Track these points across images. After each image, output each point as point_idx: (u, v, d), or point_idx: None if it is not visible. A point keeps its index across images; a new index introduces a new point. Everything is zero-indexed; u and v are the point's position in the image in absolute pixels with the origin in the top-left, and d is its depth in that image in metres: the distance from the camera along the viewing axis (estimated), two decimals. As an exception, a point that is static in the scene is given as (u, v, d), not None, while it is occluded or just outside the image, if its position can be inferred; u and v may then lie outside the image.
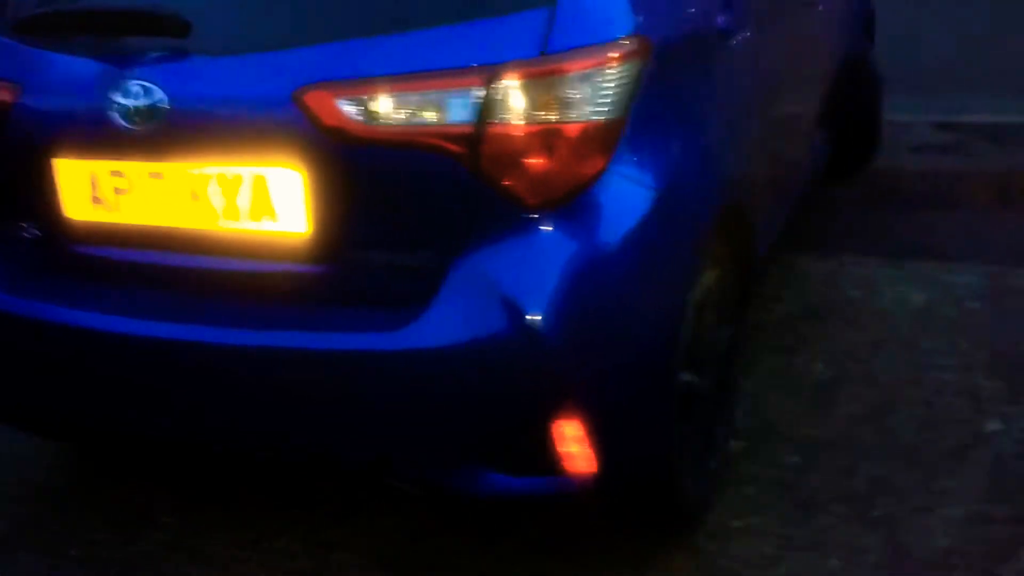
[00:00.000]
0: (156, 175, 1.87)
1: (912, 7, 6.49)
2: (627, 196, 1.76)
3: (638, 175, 1.78)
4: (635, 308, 1.77)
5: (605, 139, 1.72)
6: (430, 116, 1.66)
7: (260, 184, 1.79)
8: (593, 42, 1.73)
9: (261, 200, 1.80)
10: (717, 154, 2.06)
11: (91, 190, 1.93)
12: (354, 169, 1.73)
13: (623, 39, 1.76)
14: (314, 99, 1.69)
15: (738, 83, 2.23)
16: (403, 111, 1.67)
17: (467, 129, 1.65)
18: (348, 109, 1.68)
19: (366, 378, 1.75)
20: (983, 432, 2.54)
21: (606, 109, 1.72)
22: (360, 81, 1.69)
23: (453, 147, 1.66)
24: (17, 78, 1.97)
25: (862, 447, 2.50)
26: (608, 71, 1.72)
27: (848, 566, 2.11)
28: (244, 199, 1.81)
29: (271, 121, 1.75)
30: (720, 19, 2.13)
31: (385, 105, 1.67)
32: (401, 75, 1.68)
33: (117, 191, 1.91)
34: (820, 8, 3.21)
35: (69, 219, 1.99)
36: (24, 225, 2.07)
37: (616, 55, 1.73)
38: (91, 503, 2.47)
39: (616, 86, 1.73)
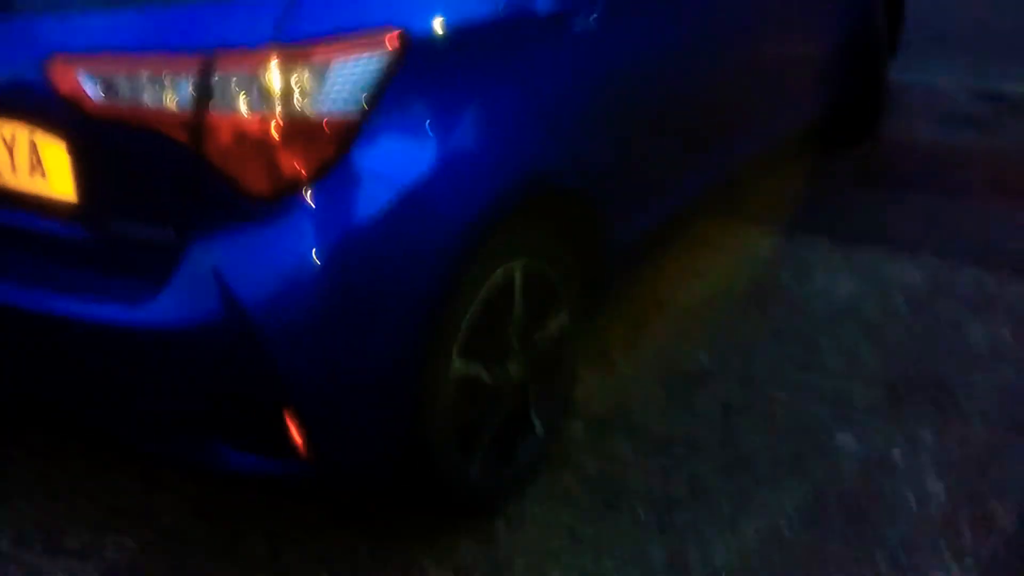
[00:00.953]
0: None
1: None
2: (363, 188, 1.74)
3: (379, 167, 1.75)
4: (363, 303, 1.77)
5: (339, 132, 1.70)
6: (155, 97, 1.68)
7: (30, 146, 1.85)
8: (334, 31, 1.70)
9: (32, 160, 1.86)
10: (514, 145, 1.99)
11: None
12: (101, 141, 1.77)
13: (371, 30, 1.72)
14: (57, 69, 1.72)
15: (571, 69, 2.14)
16: (130, 89, 1.69)
17: (187, 114, 1.66)
18: (86, 82, 1.71)
19: (107, 347, 1.82)
20: (829, 445, 2.44)
21: (341, 102, 1.69)
22: (97, 56, 1.71)
23: (176, 132, 1.67)
24: None
25: (699, 448, 2.45)
26: (343, 63, 1.69)
27: (623, 569, 2.10)
28: (21, 158, 1.88)
29: (33, 86, 1.79)
30: (542, 6, 2.05)
31: (115, 82, 1.69)
32: (130, 52, 1.70)
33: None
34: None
35: None
36: None
37: (355, 45, 1.70)
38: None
39: (354, 79, 1.70)
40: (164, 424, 1.88)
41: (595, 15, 2.18)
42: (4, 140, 1.88)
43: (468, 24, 1.89)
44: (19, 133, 1.85)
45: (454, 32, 1.86)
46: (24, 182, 1.89)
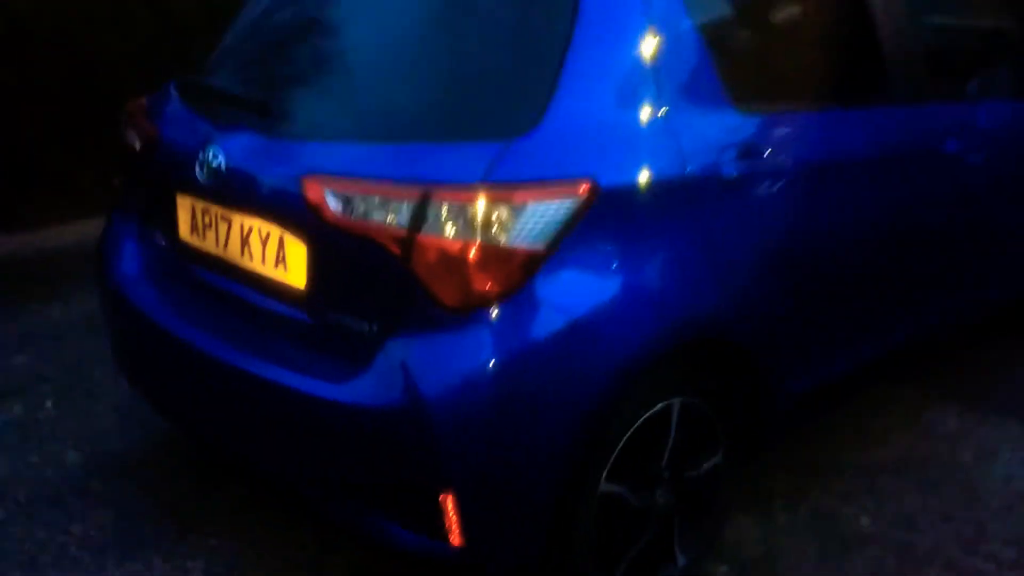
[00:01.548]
0: (226, 219, 2.38)
1: None
2: (540, 314, 1.98)
3: (557, 298, 1.99)
4: (526, 414, 1.98)
5: (525, 263, 1.96)
6: (381, 216, 2.00)
7: (279, 242, 2.23)
8: (535, 177, 1.98)
9: (279, 254, 2.24)
10: (683, 293, 2.18)
11: (191, 220, 2.49)
12: (334, 245, 2.11)
13: (565, 180, 1.99)
14: (309, 184, 2.10)
15: (749, 229, 2.31)
16: (363, 207, 2.02)
17: (403, 233, 1.97)
18: (330, 197, 2.07)
19: (307, 415, 2.13)
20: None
21: (532, 237, 1.96)
22: (340, 176, 2.07)
23: (392, 246, 1.99)
24: (163, 124, 2.59)
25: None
26: (538, 204, 1.96)
27: None
28: (271, 251, 2.26)
29: (286, 195, 2.18)
30: (730, 169, 2.25)
31: (352, 199, 2.04)
32: (366, 177, 2.04)
33: (205, 225, 2.45)
34: (978, 161, 3.07)
35: (181, 239, 2.56)
36: (158, 235, 2.68)
37: (550, 192, 1.97)
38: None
39: (546, 218, 1.96)
40: (343, 490, 2.16)
41: (779, 184, 2.36)
42: (260, 235, 2.28)
43: (651, 181, 2.12)
44: (273, 231, 2.24)
45: (637, 187, 2.10)
46: (269, 270, 2.27)
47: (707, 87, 2.28)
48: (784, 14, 2.66)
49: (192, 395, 2.48)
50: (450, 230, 1.95)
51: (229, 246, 2.38)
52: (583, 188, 2.01)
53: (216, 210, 2.39)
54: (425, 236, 1.96)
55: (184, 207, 2.51)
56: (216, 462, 3.01)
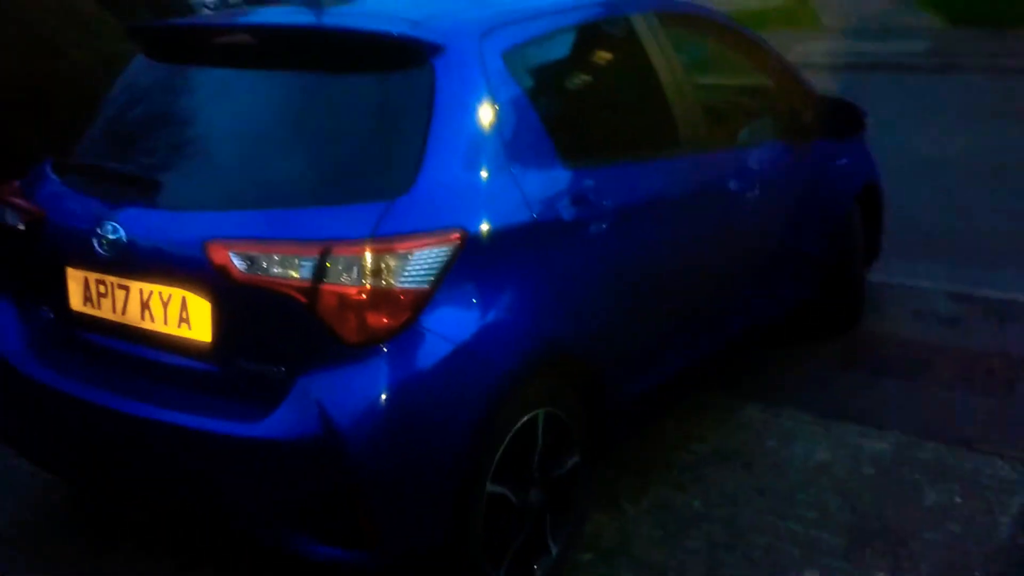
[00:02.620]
0: (123, 286, 2.60)
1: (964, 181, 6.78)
2: (428, 344, 2.36)
3: (441, 329, 2.37)
4: (423, 431, 2.35)
5: (413, 302, 2.34)
6: (285, 271, 2.32)
7: (182, 302, 2.49)
8: (414, 230, 2.36)
9: (182, 313, 2.49)
10: (537, 318, 2.61)
11: (84, 292, 2.69)
12: (239, 301, 2.40)
13: (439, 230, 2.39)
14: (213, 249, 2.38)
15: (584, 262, 2.78)
16: (266, 265, 2.33)
17: (307, 283, 2.30)
18: (235, 258, 2.36)
19: (227, 454, 2.39)
20: (798, 577, 2.92)
21: (416, 280, 2.34)
22: (242, 240, 2.37)
23: (298, 296, 2.31)
24: (46, 205, 2.79)
25: (686, 574, 2.93)
26: (420, 252, 2.34)
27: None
28: (173, 312, 2.51)
29: (188, 260, 2.44)
30: (565, 214, 2.72)
31: (256, 259, 2.34)
32: (268, 239, 2.36)
33: (100, 295, 2.66)
34: (754, 196, 3.71)
35: (72, 309, 2.74)
36: (44, 309, 2.84)
37: (428, 241, 2.36)
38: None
39: (427, 264, 2.35)
40: (265, 516, 2.42)
41: (605, 224, 2.85)
42: (161, 298, 2.52)
43: (508, 227, 2.55)
44: (175, 293, 2.49)
45: (497, 233, 2.52)
46: (172, 329, 2.52)
47: (542, 149, 2.74)
48: (593, 88, 3.21)
49: (95, 450, 2.66)
50: (347, 278, 2.29)
51: (128, 311, 2.60)
52: (455, 236, 2.41)
53: (112, 279, 2.61)
54: (327, 285, 2.29)
55: (75, 279, 2.70)
56: (105, 519, 3.15)
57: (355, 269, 2.29)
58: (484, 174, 2.57)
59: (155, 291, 2.53)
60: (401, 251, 2.32)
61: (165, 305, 2.52)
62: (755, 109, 4.19)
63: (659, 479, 3.48)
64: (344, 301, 2.29)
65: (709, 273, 3.53)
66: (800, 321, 4.65)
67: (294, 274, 2.31)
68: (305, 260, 2.30)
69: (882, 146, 5.54)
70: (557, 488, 2.81)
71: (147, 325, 2.57)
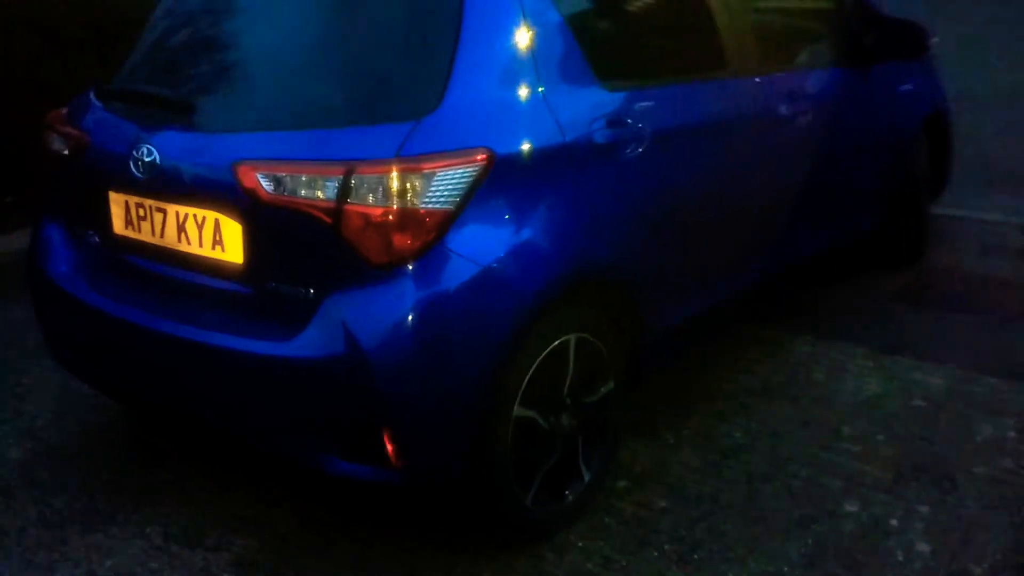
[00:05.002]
0: (161, 209, 2.64)
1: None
2: (453, 265, 2.34)
3: (466, 250, 2.35)
4: (448, 352, 2.34)
5: (438, 222, 2.32)
6: (311, 192, 2.32)
7: (215, 225, 2.52)
8: (440, 150, 2.34)
9: (215, 236, 2.52)
10: (569, 242, 2.57)
11: (125, 215, 2.74)
12: (268, 222, 2.42)
13: (465, 150, 2.35)
14: (243, 170, 2.40)
15: (621, 186, 2.72)
16: (293, 185, 2.34)
17: (332, 204, 2.30)
18: (262, 179, 2.37)
19: (258, 374, 2.43)
20: (837, 511, 2.86)
21: (441, 200, 2.31)
22: (270, 161, 2.38)
23: (324, 217, 2.31)
24: (89, 130, 2.84)
25: (724, 505, 2.90)
26: (445, 173, 2.32)
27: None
28: (207, 234, 2.55)
29: (219, 182, 2.47)
30: (600, 137, 2.66)
31: (283, 180, 2.35)
32: (294, 160, 2.36)
33: (139, 218, 2.71)
34: (811, 122, 3.59)
35: (115, 232, 2.81)
36: (90, 233, 2.91)
37: (454, 162, 2.33)
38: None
39: (452, 184, 2.33)
40: (294, 434, 2.47)
41: (644, 147, 2.78)
42: (196, 221, 2.55)
43: (537, 149, 2.51)
44: (208, 216, 2.53)
45: (526, 155, 2.48)
46: (207, 251, 2.55)
47: (576, 68, 2.68)
48: (634, 5, 3.10)
49: (140, 369, 2.73)
50: (372, 199, 2.28)
51: (166, 234, 2.64)
52: (481, 156, 2.37)
53: (151, 203, 2.66)
54: (351, 206, 2.29)
55: (117, 203, 2.75)
56: (151, 434, 3.26)
57: (380, 189, 2.28)
58: (514, 94, 2.52)
59: (190, 214, 2.57)
60: (426, 171, 2.30)
61: (200, 228, 2.56)
62: (814, 31, 4.03)
63: (701, 409, 3.45)
64: (368, 222, 2.29)
65: (759, 202, 3.44)
66: (861, 254, 4.53)
67: (319, 195, 2.31)
68: (330, 180, 2.30)
69: (956, 72, 5.31)
70: (590, 414, 2.79)
71: (184, 248, 2.61)
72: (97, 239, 2.89)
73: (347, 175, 2.29)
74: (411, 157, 2.31)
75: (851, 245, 4.26)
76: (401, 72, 2.46)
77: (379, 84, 2.46)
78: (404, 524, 2.83)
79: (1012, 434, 3.25)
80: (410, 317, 2.30)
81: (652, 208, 2.84)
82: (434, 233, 2.32)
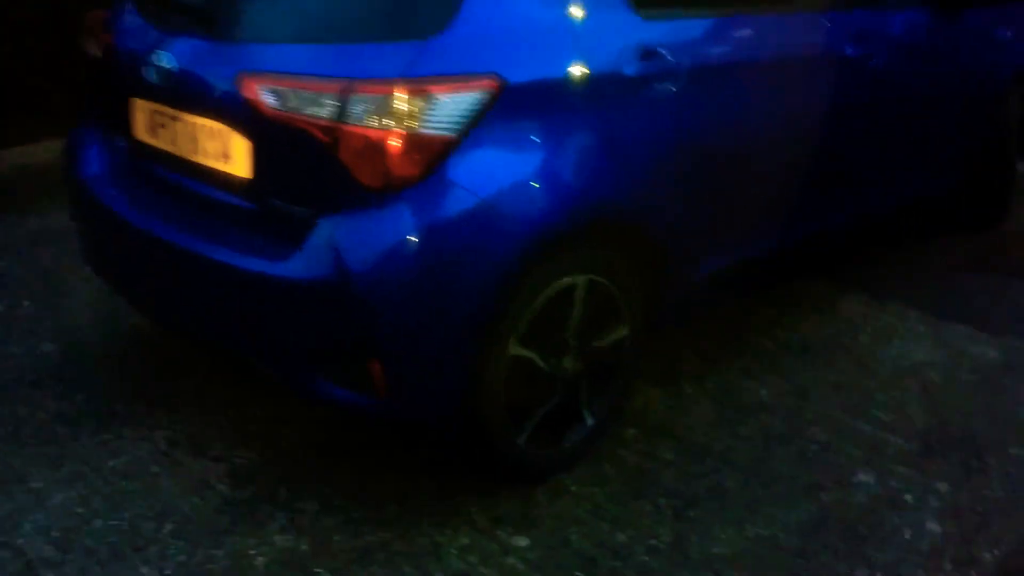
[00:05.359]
0: (176, 118, 2.63)
1: None
2: (452, 194, 2.26)
3: (467, 180, 2.26)
4: (441, 284, 2.27)
5: (438, 149, 2.23)
6: (310, 108, 2.26)
7: (225, 137, 2.49)
8: (445, 72, 2.24)
9: (225, 148, 2.50)
10: (584, 180, 2.45)
11: (147, 122, 2.74)
12: (271, 137, 2.37)
13: (473, 74, 2.25)
14: (246, 82, 2.35)
15: (650, 124, 2.57)
16: (293, 100, 2.28)
17: (330, 123, 2.23)
18: (264, 92, 2.32)
19: (254, 291, 2.41)
20: (849, 481, 2.72)
21: (442, 126, 2.23)
22: (273, 74, 2.32)
23: (321, 135, 2.25)
24: (118, 35, 2.83)
25: (732, 463, 2.79)
26: (448, 97, 2.22)
27: (631, 543, 2.48)
28: (217, 146, 2.52)
29: (228, 94, 2.42)
30: (629, 69, 2.51)
31: (284, 94, 2.29)
32: (296, 74, 2.29)
33: (159, 125, 2.70)
34: (883, 66, 3.33)
35: (138, 139, 2.81)
36: (119, 139, 2.92)
37: (458, 86, 2.23)
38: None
39: (456, 110, 2.23)
40: (286, 355, 2.46)
41: (680, 84, 2.62)
42: (207, 132, 2.53)
43: (556, 78, 2.38)
44: (218, 127, 2.49)
45: (542, 83, 2.36)
46: (217, 163, 2.53)
47: (607, -8, 2.53)
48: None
49: (150, 278, 2.75)
50: (371, 120, 2.21)
51: (180, 143, 2.63)
52: (490, 82, 2.27)
53: (168, 111, 2.64)
54: (349, 126, 2.22)
55: (139, 109, 2.75)
56: (179, 346, 3.31)
57: (378, 110, 2.20)
58: (534, 16, 2.39)
59: (202, 124, 2.54)
60: (428, 94, 2.21)
61: (211, 139, 2.53)
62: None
63: (729, 363, 3.32)
64: (365, 143, 2.22)
65: (813, 153, 3.22)
66: (940, 212, 4.26)
67: (318, 112, 2.24)
68: (328, 98, 2.23)
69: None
70: (599, 359, 2.71)
71: (197, 158, 2.59)
72: (124, 145, 2.90)
73: (345, 93, 2.21)
74: (413, 78, 2.22)
75: (926, 203, 4.00)
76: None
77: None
78: (404, 456, 2.82)
79: (1060, 417, 3.04)
80: (402, 244, 2.24)
81: (685, 151, 2.69)
82: (434, 160, 2.24)
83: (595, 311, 2.65)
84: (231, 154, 2.49)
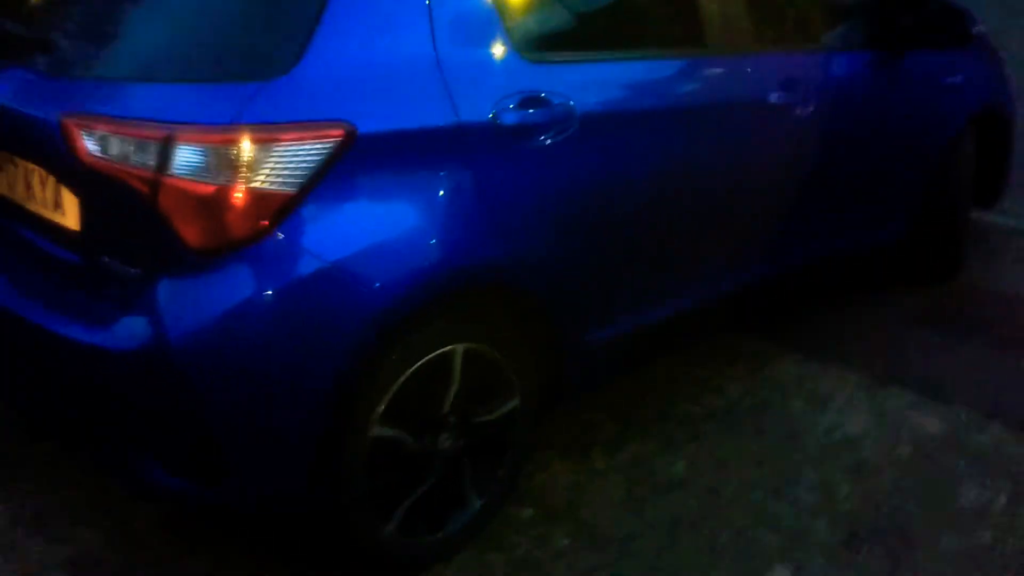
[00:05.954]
0: (11, 161, 2.35)
1: None
2: (290, 258, 1.98)
3: (309, 242, 1.98)
4: (281, 358, 1.99)
5: (275, 206, 1.95)
6: (132, 157, 1.98)
7: (54, 184, 2.21)
8: (286, 120, 1.97)
9: (56, 196, 2.21)
10: (454, 240, 2.17)
11: (-11, 164, 2.46)
12: (96, 187, 2.09)
13: (317, 123, 1.98)
14: (66, 125, 2.06)
15: (534, 178, 2.30)
16: (114, 147, 2.00)
17: (151, 174, 1.95)
18: (85, 137, 2.04)
19: (79, 360, 2.12)
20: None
21: (280, 181, 1.95)
22: (93, 116, 2.04)
23: (144, 189, 1.97)
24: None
25: (634, 554, 2.50)
26: (287, 148, 1.95)
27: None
28: (49, 193, 2.24)
29: (52, 136, 2.14)
30: (509, 118, 2.24)
31: (105, 139, 2.01)
32: (118, 118, 2.01)
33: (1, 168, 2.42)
34: (815, 112, 3.08)
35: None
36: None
37: (300, 135, 1.96)
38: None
39: (296, 162, 1.96)
40: (114, 438, 2.17)
41: (567, 133, 2.35)
42: (40, 177, 2.25)
43: (421, 127, 2.11)
44: (48, 173, 2.22)
45: (401, 133, 2.09)
46: (50, 212, 2.24)
47: (487, 30, 2.26)
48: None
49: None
50: (198, 173, 1.93)
51: (16, 189, 2.35)
52: (338, 132, 2.00)
53: (4, 152, 2.36)
54: (173, 179, 1.94)
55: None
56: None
57: (204, 161, 1.93)
58: (394, 58, 2.12)
59: (32, 169, 2.26)
60: (265, 143, 1.94)
61: (41, 186, 2.25)
62: (833, 6, 3.50)
63: (648, 432, 3.03)
64: (190, 199, 1.94)
65: (727, 204, 2.94)
66: (889, 264, 3.99)
67: (141, 161, 1.96)
68: (151, 146, 1.96)
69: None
70: (484, 434, 2.42)
71: (32, 206, 2.31)
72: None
73: (168, 141, 1.94)
74: (251, 125, 1.94)
75: (871, 255, 3.73)
76: (259, 21, 2.09)
77: (234, 33, 2.10)
78: (267, 544, 2.52)
79: (1003, 500, 2.75)
80: (232, 313, 1.96)
81: (574, 207, 2.41)
82: (272, 218, 1.96)
83: (478, 382, 2.37)
84: (62, 203, 2.21)
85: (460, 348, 2.29)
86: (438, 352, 2.24)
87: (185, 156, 1.93)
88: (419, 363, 2.21)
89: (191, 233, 1.95)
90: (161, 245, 2.01)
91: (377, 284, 2.06)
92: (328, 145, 1.99)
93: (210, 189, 1.93)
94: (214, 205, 1.94)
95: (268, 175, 1.95)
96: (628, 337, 2.73)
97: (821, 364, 3.48)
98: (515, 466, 2.57)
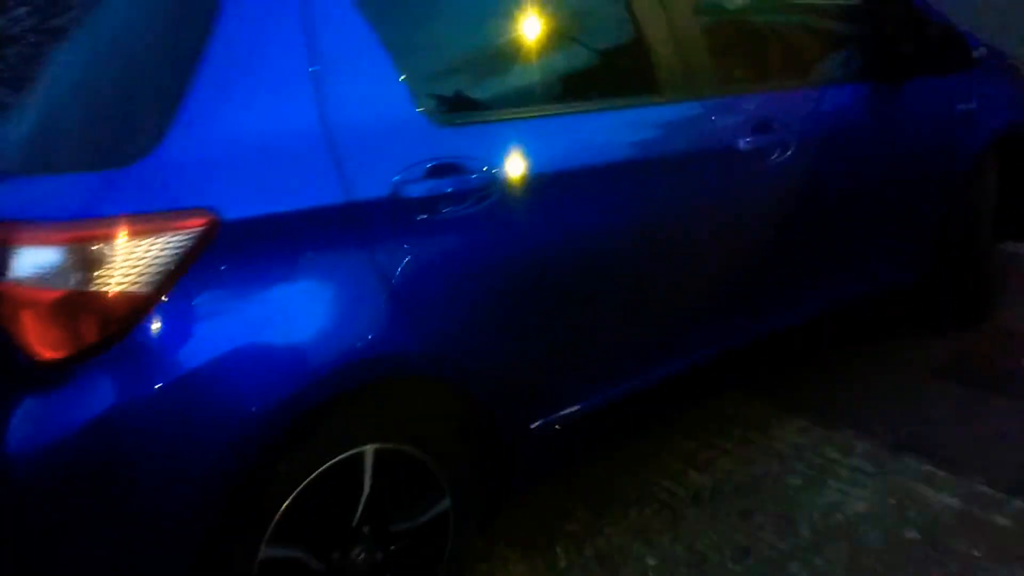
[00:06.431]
0: None
1: None
2: (148, 366, 1.73)
3: (169, 347, 1.74)
4: (135, 480, 1.75)
5: (126, 309, 1.72)
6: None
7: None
8: (140, 211, 1.73)
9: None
10: (351, 331, 1.91)
11: None
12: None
13: (176, 212, 1.75)
14: None
15: (451, 255, 2.05)
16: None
17: (-20, 279, 1.73)
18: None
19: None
20: None
21: (133, 280, 1.72)
22: None
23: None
24: None
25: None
26: (141, 243, 1.71)
27: None
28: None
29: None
30: (416, 190, 1.99)
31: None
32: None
33: None
34: (793, 158, 2.75)
35: None
36: None
37: (155, 227, 1.72)
38: None
39: (151, 258, 1.72)
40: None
41: (485, 203, 2.09)
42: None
43: (303, 208, 1.87)
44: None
45: (282, 217, 1.84)
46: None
47: (388, 93, 2.02)
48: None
49: None
50: (33, 275, 1.71)
51: None
52: (200, 220, 1.76)
53: None
54: (5, 283, 1.72)
55: None
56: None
57: (44, 263, 1.70)
58: (276, 131, 1.87)
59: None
60: (110, 240, 1.71)
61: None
62: (820, 39, 3.19)
63: (622, 520, 2.73)
64: (27, 305, 1.71)
65: (700, 264, 2.63)
66: (905, 311, 3.64)
67: (-27, 265, 1.76)
68: (-19, 245, 1.74)
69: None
70: (409, 543, 2.15)
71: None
72: None
73: (2, 244, 1.72)
74: (91, 220, 1.71)
75: (876, 300, 3.37)
76: (118, 100, 1.87)
77: (90, 116, 1.87)
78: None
79: (1022, 596, 2.40)
80: (74, 430, 1.71)
81: (499, 283, 2.14)
82: (121, 324, 1.73)
83: (397, 485, 2.10)
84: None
85: (370, 449, 2.02)
86: (341, 457, 1.98)
87: (19, 258, 1.71)
88: (316, 472, 1.95)
89: (34, 343, 1.72)
90: (3, 356, 1.78)
91: (253, 390, 1.80)
92: (187, 236, 1.75)
93: (51, 294, 1.70)
94: (56, 312, 1.71)
95: (118, 274, 1.72)
96: (586, 420, 2.44)
97: (826, 430, 3.14)
98: (455, 573, 2.29)
